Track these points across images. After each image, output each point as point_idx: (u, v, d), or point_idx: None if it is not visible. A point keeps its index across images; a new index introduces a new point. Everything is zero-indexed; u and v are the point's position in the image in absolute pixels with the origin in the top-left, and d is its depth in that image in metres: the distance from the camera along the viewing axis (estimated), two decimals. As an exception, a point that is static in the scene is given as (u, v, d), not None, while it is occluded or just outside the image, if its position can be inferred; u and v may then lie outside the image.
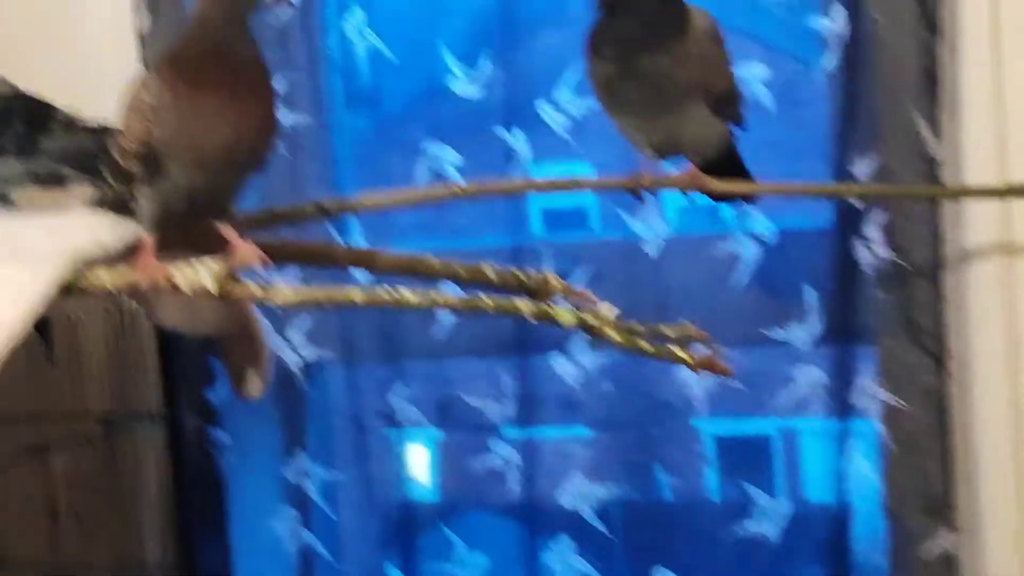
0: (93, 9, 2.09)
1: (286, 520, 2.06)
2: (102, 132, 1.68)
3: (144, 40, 2.01)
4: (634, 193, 1.61)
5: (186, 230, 1.37)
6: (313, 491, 2.05)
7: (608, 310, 1.25)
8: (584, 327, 1.25)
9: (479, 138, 1.94)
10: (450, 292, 1.47)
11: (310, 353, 2.03)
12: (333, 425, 2.06)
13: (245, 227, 1.43)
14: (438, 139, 1.96)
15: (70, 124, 1.74)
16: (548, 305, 1.27)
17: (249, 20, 1.31)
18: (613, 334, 1.22)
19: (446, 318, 1.95)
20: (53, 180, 1.73)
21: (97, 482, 1.89)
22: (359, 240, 1.99)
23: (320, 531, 2.07)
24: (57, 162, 1.74)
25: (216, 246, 1.34)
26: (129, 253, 1.35)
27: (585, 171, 1.91)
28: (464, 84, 1.95)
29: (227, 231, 1.35)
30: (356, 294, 1.33)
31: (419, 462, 2.12)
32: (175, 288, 1.30)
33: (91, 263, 1.32)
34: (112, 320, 1.82)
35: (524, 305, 1.27)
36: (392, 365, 2.02)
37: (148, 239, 1.34)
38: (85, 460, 1.86)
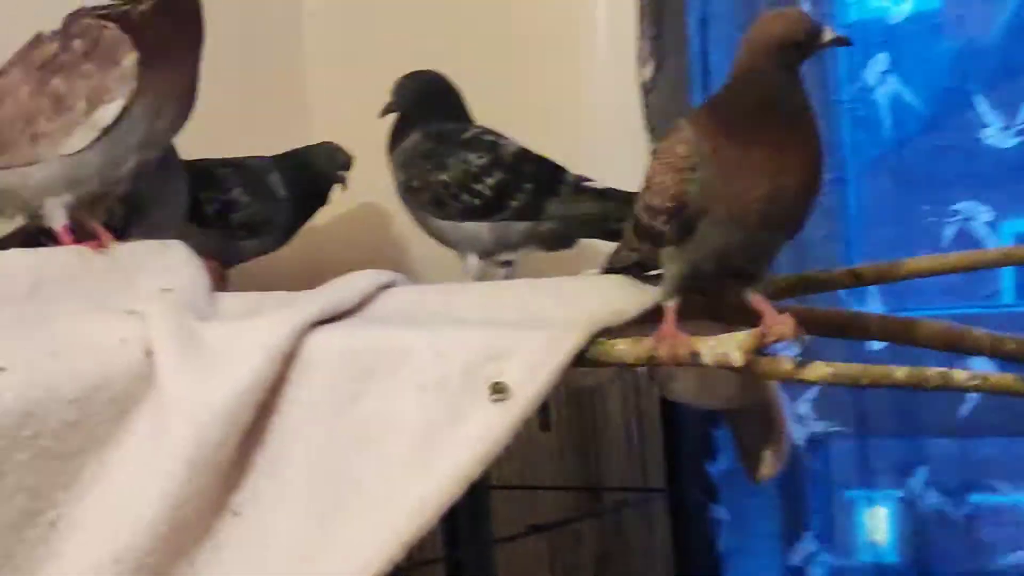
0: (593, 61, 2.13)
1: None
2: (610, 195, 1.70)
3: (646, 90, 2.03)
4: None
5: (710, 296, 1.37)
6: (818, 573, 2.01)
7: None
8: None
9: (1017, 194, 1.85)
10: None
11: (820, 426, 1.99)
12: (841, 504, 2.01)
13: (775, 295, 1.42)
14: (970, 195, 1.88)
15: (579, 186, 1.78)
16: None
17: (800, 66, 1.30)
18: None
19: (972, 397, 1.87)
20: (560, 242, 1.77)
21: (605, 553, 1.91)
22: (873, 307, 1.93)
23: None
24: (564, 225, 1.79)
25: (741, 316, 1.33)
26: (645, 321, 1.34)
27: None
28: (996, 134, 1.88)
29: (757, 299, 1.36)
30: (900, 374, 1.30)
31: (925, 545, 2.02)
32: (697, 360, 1.30)
33: (606, 332, 1.33)
34: (623, 389, 1.84)
35: None
36: (911, 440, 1.94)
37: (670, 306, 1.35)
38: (586, 535, 1.89)
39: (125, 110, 1.45)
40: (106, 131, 1.45)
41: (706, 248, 1.33)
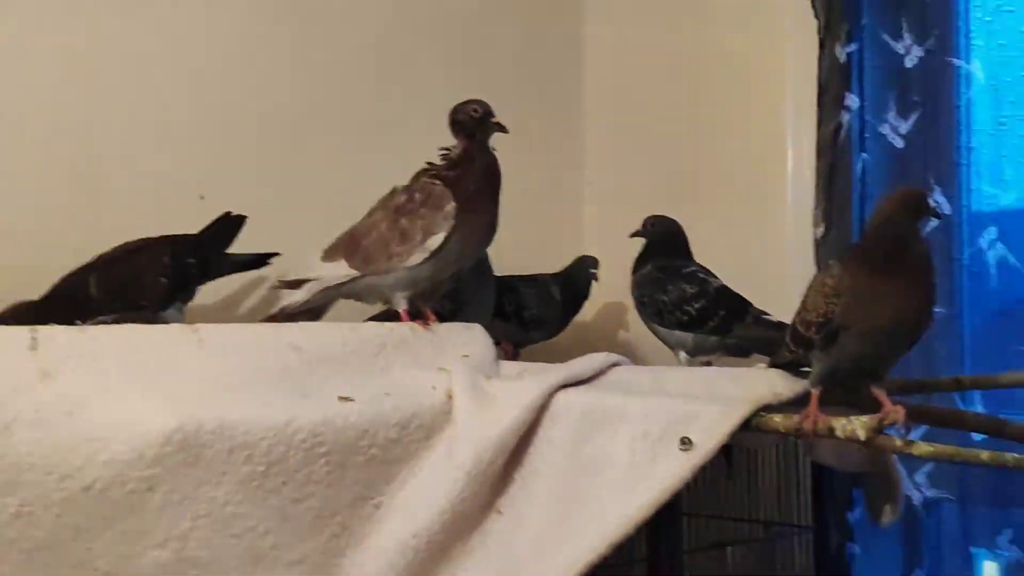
0: (783, 223, 2.12)
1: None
2: (780, 326, 1.69)
3: (818, 245, 2.01)
4: None
5: (846, 389, 1.36)
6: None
7: None
8: None
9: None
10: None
11: (931, 492, 1.92)
12: (945, 550, 1.92)
13: (897, 391, 1.39)
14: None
15: (758, 318, 1.81)
16: None
17: (922, 227, 1.30)
18: None
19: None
20: (740, 353, 1.81)
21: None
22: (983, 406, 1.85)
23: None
24: (744, 342, 1.81)
25: (868, 404, 1.32)
26: (797, 403, 1.35)
27: None
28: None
29: (879, 393, 1.35)
30: (984, 455, 1.27)
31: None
32: (832, 433, 1.28)
33: (767, 408, 1.32)
34: (780, 449, 1.81)
35: None
36: (1001, 509, 1.85)
37: (815, 393, 1.36)
38: (751, 557, 1.85)
39: (446, 240, 1.51)
40: (433, 253, 1.51)
41: (844, 354, 1.34)
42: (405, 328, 1.50)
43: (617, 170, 2.42)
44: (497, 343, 1.94)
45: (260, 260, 1.63)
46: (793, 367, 1.46)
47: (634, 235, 1.92)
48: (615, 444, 1.30)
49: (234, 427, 1.16)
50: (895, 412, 1.30)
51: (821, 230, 2.03)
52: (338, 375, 1.33)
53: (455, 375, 1.39)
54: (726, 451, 1.90)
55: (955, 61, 1.96)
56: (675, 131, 2.32)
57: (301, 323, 1.47)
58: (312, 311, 1.62)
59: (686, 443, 1.27)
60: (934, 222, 1.89)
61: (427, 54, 2.20)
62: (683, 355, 1.85)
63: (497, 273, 1.93)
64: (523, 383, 1.39)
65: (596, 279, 2.06)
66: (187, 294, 1.55)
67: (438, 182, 1.54)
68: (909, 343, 1.35)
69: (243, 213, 1.63)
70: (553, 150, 2.43)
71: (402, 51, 2.14)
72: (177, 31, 1.84)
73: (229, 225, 1.60)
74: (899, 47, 2.00)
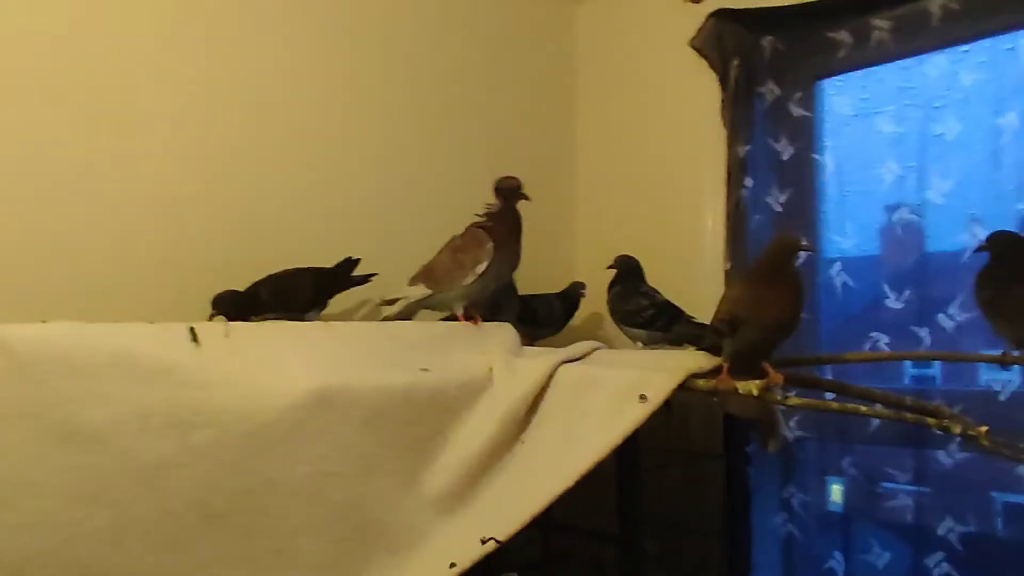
0: (704, 259, 2.11)
1: (781, 518, 1.94)
2: (702, 326, 1.69)
3: (727, 273, 2.01)
4: (1001, 366, 1.45)
5: (747, 363, 1.35)
6: (796, 504, 1.91)
7: (983, 429, 1.14)
8: (965, 437, 1.14)
9: (901, 331, 1.76)
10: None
11: (800, 432, 1.90)
12: (809, 472, 1.90)
13: (778, 364, 1.38)
14: (877, 330, 1.79)
15: (689, 321, 1.79)
16: (947, 423, 1.18)
17: (794, 259, 1.28)
18: (985, 443, 1.14)
19: (875, 421, 1.77)
20: (677, 344, 1.78)
21: (685, 486, 1.85)
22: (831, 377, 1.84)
23: (798, 525, 1.93)
24: (679, 337, 1.79)
25: (760, 372, 1.30)
26: (714, 372, 1.34)
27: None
28: (893, 302, 1.78)
29: (767, 366, 1.35)
30: (834, 406, 1.29)
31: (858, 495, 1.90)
32: (737, 392, 1.27)
33: (695, 375, 1.31)
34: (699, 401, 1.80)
35: (932, 421, 1.15)
36: (844, 444, 1.85)
37: (726, 366, 1.36)
38: (681, 475, 1.83)
39: (488, 267, 1.52)
40: (479, 276, 1.52)
41: (744, 340, 1.33)
42: (461, 325, 1.50)
43: (600, 225, 2.42)
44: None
45: (366, 278, 1.61)
46: (712, 350, 1.45)
47: (609, 267, 1.91)
48: (597, 399, 1.30)
49: (353, 387, 1.17)
50: (776, 378, 1.30)
51: (729, 264, 2.01)
52: (420, 355, 1.34)
53: (494, 355, 1.40)
54: (668, 403, 1.90)
55: (814, 155, 1.96)
56: (639, 202, 2.31)
57: (397, 322, 1.48)
58: (405, 317, 1.62)
59: (643, 398, 1.27)
60: (804, 256, 1.90)
61: (467, 140, 2.18)
62: (640, 345, 1.84)
63: (520, 292, 1.93)
64: (538, 360, 1.39)
65: (584, 296, 2.05)
66: (322, 305, 1.54)
67: (481, 230, 1.54)
68: (787, 334, 1.34)
69: (359, 255, 1.63)
70: (557, 214, 2.43)
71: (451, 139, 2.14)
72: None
73: (350, 263, 1.60)
74: (778, 147, 1.99)
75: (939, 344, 1.71)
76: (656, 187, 2.27)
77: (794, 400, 1.29)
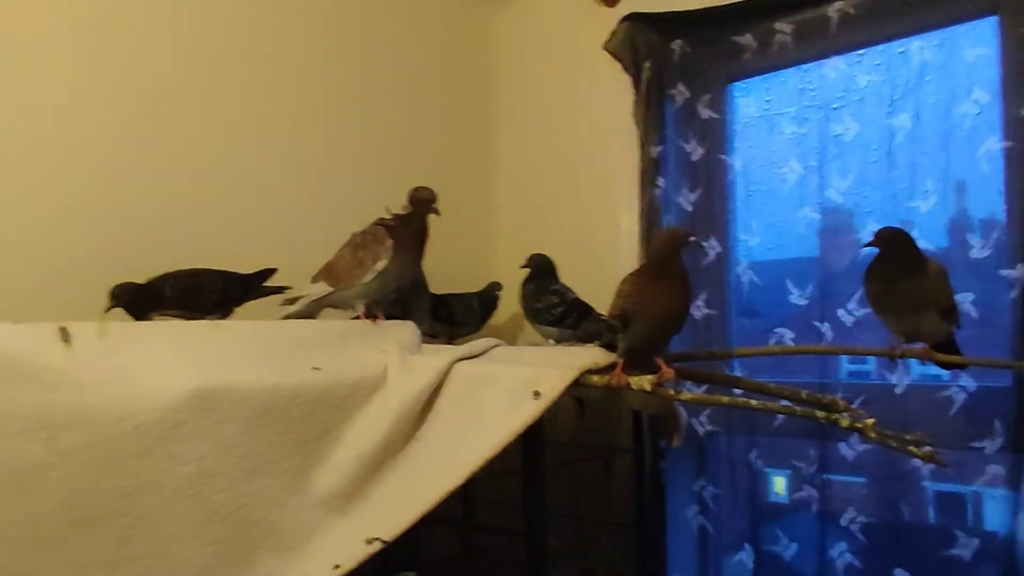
0: (618, 255, 2.12)
1: (692, 510, 1.96)
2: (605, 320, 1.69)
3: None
4: (890, 359, 1.48)
5: (640, 358, 1.35)
6: (707, 497, 1.93)
7: (870, 421, 1.15)
8: (854, 430, 1.17)
9: (805, 326, 1.80)
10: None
11: (710, 427, 1.93)
12: (720, 465, 1.93)
13: (672, 359, 1.39)
14: (782, 326, 1.83)
15: (598, 318, 1.75)
16: (836, 416, 1.18)
17: (680, 253, 1.29)
18: (872, 435, 1.14)
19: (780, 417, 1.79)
20: (588, 340, 1.75)
21: (601, 481, 1.85)
22: (740, 370, 1.87)
23: (709, 518, 1.95)
24: (587, 333, 1.76)
25: (655, 367, 1.31)
26: (611, 368, 1.34)
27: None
28: (797, 298, 1.82)
29: (660, 361, 1.34)
30: (724, 399, 1.29)
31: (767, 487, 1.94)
32: (630, 387, 1.28)
33: (590, 371, 1.31)
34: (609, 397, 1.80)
35: (821, 414, 1.18)
36: (752, 437, 1.87)
37: (620, 361, 1.35)
38: (597, 470, 1.84)
39: (387, 266, 1.49)
40: (379, 274, 1.49)
41: (636, 335, 1.32)
42: (359, 323, 1.47)
43: (521, 225, 2.42)
44: (435, 336, 1.96)
45: (279, 289, 1.58)
46: (611, 347, 1.45)
47: (523, 267, 1.91)
48: (491, 395, 1.29)
49: (238, 386, 1.14)
50: (668, 372, 1.30)
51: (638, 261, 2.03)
52: (313, 353, 1.31)
53: (390, 353, 1.38)
54: (580, 401, 1.91)
55: (722, 157, 1.98)
56: (558, 202, 2.31)
57: (290, 321, 1.45)
58: (307, 315, 1.59)
59: (537, 394, 1.26)
60: (711, 253, 1.93)
61: (385, 142, 2.17)
62: (551, 342, 1.83)
63: (438, 291, 1.93)
64: (433, 358, 1.37)
65: (499, 295, 2.04)
66: (227, 310, 1.50)
67: (381, 228, 1.52)
68: (676, 328, 1.33)
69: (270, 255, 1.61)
70: (477, 214, 2.43)
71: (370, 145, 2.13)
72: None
73: (266, 273, 1.57)
74: (688, 148, 2.02)
75: (840, 338, 1.75)
76: (574, 187, 2.28)
77: (687, 395, 1.30)
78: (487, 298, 2.05)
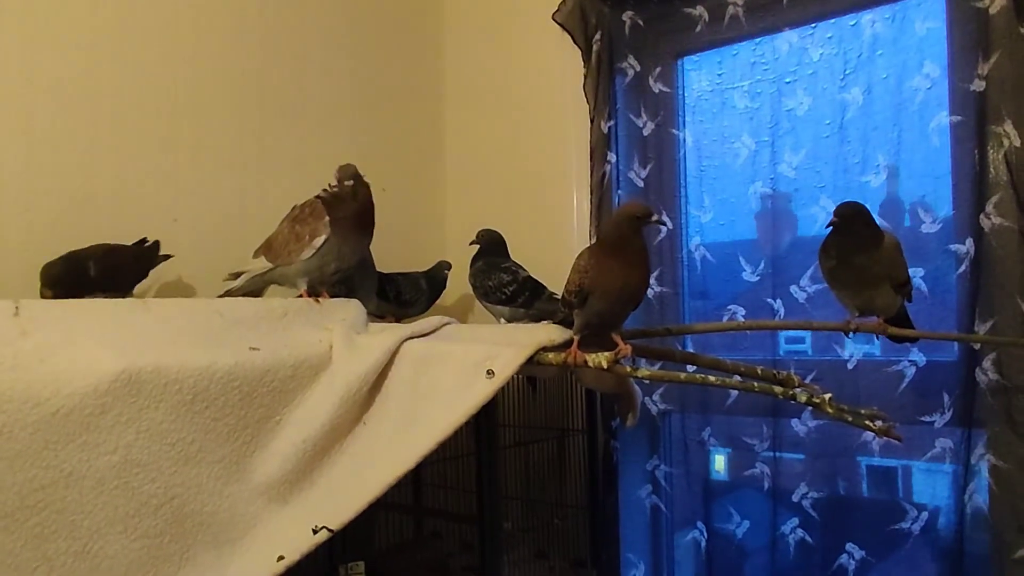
0: (572, 232, 2.06)
1: (645, 490, 1.93)
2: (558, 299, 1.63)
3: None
4: (844, 332, 1.45)
5: (597, 335, 1.30)
6: (660, 476, 1.90)
7: (827, 396, 1.11)
8: (811, 405, 1.13)
9: (758, 303, 1.77)
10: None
11: (663, 406, 1.89)
12: (672, 444, 1.89)
13: (628, 336, 1.34)
14: (735, 303, 1.80)
15: (551, 297, 1.72)
16: (793, 391, 1.15)
17: (640, 229, 1.25)
18: (829, 410, 1.11)
19: (735, 392, 1.76)
20: (540, 319, 1.69)
21: (553, 462, 1.79)
22: (693, 348, 1.83)
23: (662, 497, 1.92)
24: (540, 312, 1.72)
25: (611, 345, 1.26)
26: (566, 345, 1.29)
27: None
28: (749, 275, 1.79)
29: (617, 338, 1.31)
30: (682, 376, 1.25)
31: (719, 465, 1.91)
32: (587, 365, 1.22)
33: (545, 348, 1.25)
34: (566, 378, 1.75)
35: (778, 390, 1.15)
36: (705, 415, 1.83)
37: (576, 338, 1.30)
38: (547, 452, 1.78)
39: (326, 240, 1.40)
40: (318, 249, 1.40)
41: (592, 311, 1.27)
42: (303, 301, 1.38)
43: (471, 203, 2.34)
44: (382, 316, 1.88)
45: (163, 258, 1.50)
46: (567, 323, 1.40)
47: (472, 243, 1.84)
48: (443, 375, 1.22)
49: (167, 368, 1.05)
50: (624, 349, 1.25)
51: (594, 240, 1.98)
52: (250, 332, 1.22)
53: (335, 332, 1.29)
54: (532, 381, 1.85)
55: (674, 131, 1.94)
56: (509, 179, 2.24)
57: (227, 299, 1.35)
58: (252, 292, 1.49)
59: (490, 373, 1.20)
60: (664, 231, 1.89)
61: (331, 117, 2.07)
62: (503, 321, 1.77)
63: (385, 270, 1.85)
64: (381, 336, 1.29)
65: (448, 275, 1.96)
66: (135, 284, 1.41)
67: (319, 201, 1.42)
68: (634, 304, 1.28)
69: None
70: (426, 191, 2.35)
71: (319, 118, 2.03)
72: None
73: (156, 245, 1.48)
74: (639, 122, 1.97)
75: (792, 315, 1.73)
76: (524, 163, 2.21)
77: (644, 371, 1.25)
78: (435, 277, 1.97)
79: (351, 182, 1.39)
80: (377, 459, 1.17)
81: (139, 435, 1.01)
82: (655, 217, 1.27)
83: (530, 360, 1.24)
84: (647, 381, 1.82)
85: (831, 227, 1.36)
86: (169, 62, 1.72)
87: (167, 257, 1.51)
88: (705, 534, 1.84)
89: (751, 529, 1.80)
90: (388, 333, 1.30)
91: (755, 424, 1.78)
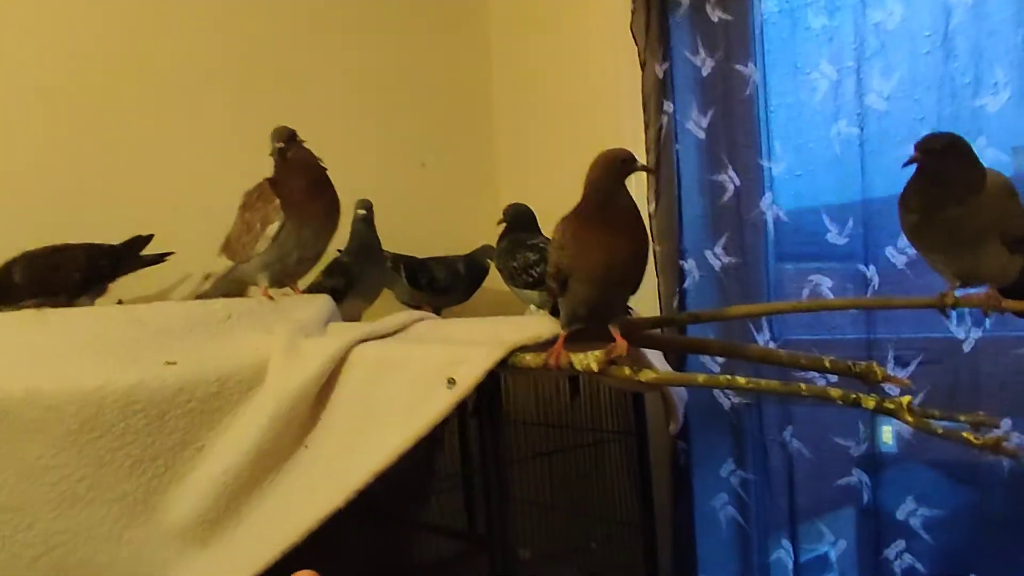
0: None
1: (720, 499, 1.60)
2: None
3: (652, 217, 1.70)
4: (940, 311, 1.07)
5: (592, 328, 1.00)
6: (736, 483, 1.58)
7: (905, 400, 0.79)
8: (882, 411, 0.81)
9: (848, 271, 1.42)
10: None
11: (736, 399, 1.57)
12: (748, 446, 1.57)
13: (640, 327, 1.05)
14: (818, 271, 1.45)
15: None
16: (857, 395, 0.82)
17: (624, 180, 0.98)
18: (907, 417, 0.79)
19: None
20: None
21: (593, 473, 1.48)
22: (768, 330, 1.51)
23: (738, 508, 1.60)
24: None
25: (608, 340, 0.98)
26: (552, 342, 1.00)
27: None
28: (835, 236, 1.42)
29: (613, 330, 1.01)
30: (700, 378, 0.95)
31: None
32: (572, 369, 0.95)
33: (522, 349, 0.99)
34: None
35: (834, 391, 0.84)
36: (785, 409, 1.50)
37: (562, 334, 1.02)
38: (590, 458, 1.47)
39: (281, 227, 1.20)
40: (274, 239, 1.20)
41: (577, 298, 0.99)
42: (252, 300, 1.19)
43: (521, 183, 2.08)
44: (418, 306, 1.67)
45: (160, 258, 1.32)
46: (555, 313, 1.12)
47: (499, 223, 1.59)
48: (397, 386, 1.00)
49: (43, 394, 0.89)
50: (619, 346, 0.96)
51: (653, 206, 1.68)
52: (175, 343, 1.03)
53: (277, 336, 1.08)
54: (574, 382, 1.57)
55: (739, 67, 1.59)
56: (555, 151, 1.96)
57: (152, 304, 1.16)
58: (231, 294, 1.32)
59: (451, 382, 0.96)
60: (730, 187, 1.56)
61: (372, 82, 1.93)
62: (533, 308, 1.51)
63: (423, 255, 1.69)
64: (327, 339, 1.08)
65: (491, 261, 1.73)
66: (100, 288, 1.25)
67: (267, 183, 1.22)
68: (630, 285, 1.00)
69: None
70: (475, 167, 2.13)
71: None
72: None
73: (140, 241, 1.30)
74: (696, 60, 1.64)
75: (888, 284, 1.36)
76: (573, 127, 1.93)
77: (648, 374, 0.96)
78: (476, 262, 1.75)
79: (281, 144, 1.17)
80: (317, 488, 0.96)
81: (6, 474, 0.86)
82: (638, 163, 0.98)
83: (504, 363, 0.99)
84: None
85: (913, 166, 1.01)
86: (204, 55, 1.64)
87: (164, 257, 1.35)
88: (792, 554, 1.51)
89: (848, 549, 1.46)
90: (338, 335, 1.08)
91: (850, 422, 1.43)
